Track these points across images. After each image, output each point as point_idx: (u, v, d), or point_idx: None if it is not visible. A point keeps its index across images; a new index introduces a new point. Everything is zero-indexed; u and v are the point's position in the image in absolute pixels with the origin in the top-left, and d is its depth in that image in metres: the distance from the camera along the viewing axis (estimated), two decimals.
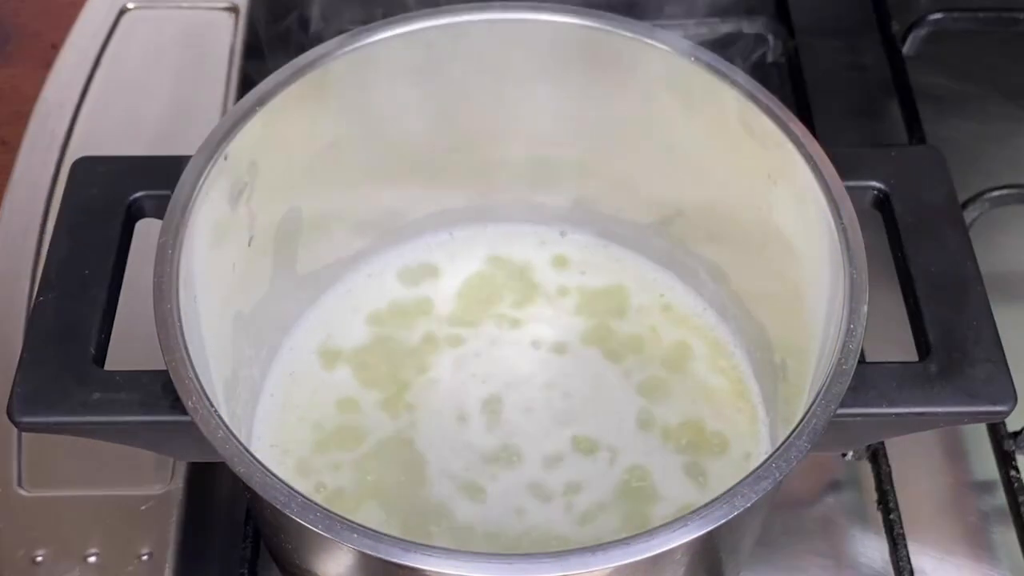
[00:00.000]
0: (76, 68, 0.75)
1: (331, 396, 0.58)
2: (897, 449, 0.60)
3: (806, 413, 0.44)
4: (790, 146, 0.50)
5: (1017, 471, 0.59)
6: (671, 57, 0.53)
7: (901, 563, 0.56)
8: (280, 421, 0.57)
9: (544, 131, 0.59)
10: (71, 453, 0.57)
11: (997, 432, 0.60)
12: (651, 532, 0.41)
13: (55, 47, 0.76)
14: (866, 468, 0.61)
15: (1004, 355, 0.47)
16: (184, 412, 0.44)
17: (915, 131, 0.72)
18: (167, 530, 0.55)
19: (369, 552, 0.40)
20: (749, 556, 0.56)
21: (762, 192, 0.53)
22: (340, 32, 0.54)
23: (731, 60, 0.52)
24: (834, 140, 0.55)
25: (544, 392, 0.58)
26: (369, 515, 0.54)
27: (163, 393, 0.46)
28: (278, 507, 0.41)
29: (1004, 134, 0.76)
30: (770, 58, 0.79)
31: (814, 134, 0.51)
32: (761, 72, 0.53)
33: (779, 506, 0.59)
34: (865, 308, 0.46)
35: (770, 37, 0.79)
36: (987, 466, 0.61)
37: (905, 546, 0.57)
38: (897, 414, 0.47)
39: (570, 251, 0.63)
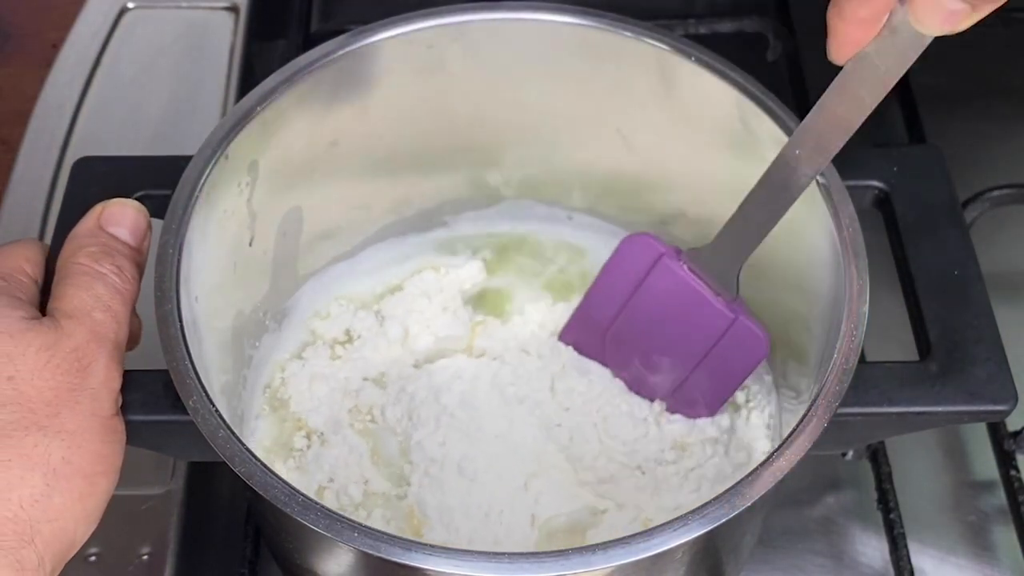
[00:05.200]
0: (76, 68, 0.75)
1: (332, 396, 0.58)
2: (897, 449, 0.60)
3: (806, 413, 0.44)
4: None
5: (1017, 471, 0.59)
6: (671, 57, 0.53)
7: (901, 563, 0.56)
8: (280, 421, 0.57)
9: (544, 131, 0.59)
10: None
11: (997, 432, 0.60)
12: (651, 532, 0.41)
13: (55, 47, 0.76)
14: (866, 468, 0.61)
15: (1004, 354, 0.47)
16: (184, 412, 0.44)
17: (915, 131, 0.72)
18: (167, 530, 0.55)
19: (369, 551, 0.40)
20: (749, 556, 0.56)
21: None
22: (340, 32, 0.54)
23: (731, 60, 0.52)
24: None
25: (543, 390, 0.58)
26: (369, 515, 0.54)
27: (163, 393, 0.46)
28: (279, 507, 0.41)
29: (1004, 134, 0.76)
30: (770, 58, 0.79)
31: None
32: (761, 72, 0.53)
33: (779, 506, 0.59)
34: (865, 308, 0.46)
35: (770, 37, 0.79)
36: (987, 466, 0.61)
37: (905, 546, 0.57)
38: (897, 413, 0.47)
39: (570, 248, 0.63)
